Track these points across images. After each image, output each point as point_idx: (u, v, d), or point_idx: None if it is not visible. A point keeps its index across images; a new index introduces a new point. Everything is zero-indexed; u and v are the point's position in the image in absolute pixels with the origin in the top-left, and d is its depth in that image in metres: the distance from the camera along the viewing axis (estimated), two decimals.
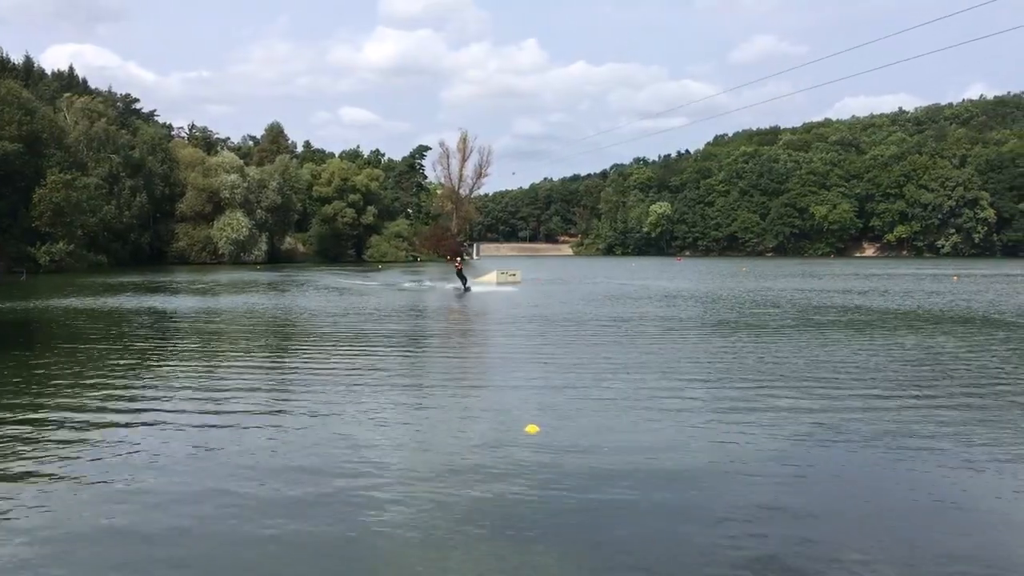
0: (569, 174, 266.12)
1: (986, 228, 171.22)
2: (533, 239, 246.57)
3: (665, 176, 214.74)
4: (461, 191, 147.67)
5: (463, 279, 49.69)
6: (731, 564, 7.61)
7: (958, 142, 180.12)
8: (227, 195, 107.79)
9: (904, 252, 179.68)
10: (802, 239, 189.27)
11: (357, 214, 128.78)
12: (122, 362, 20.43)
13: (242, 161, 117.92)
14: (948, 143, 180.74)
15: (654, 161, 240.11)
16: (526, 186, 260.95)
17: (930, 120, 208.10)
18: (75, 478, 10.35)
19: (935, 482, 10.31)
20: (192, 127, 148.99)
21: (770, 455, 11.53)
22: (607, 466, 10.82)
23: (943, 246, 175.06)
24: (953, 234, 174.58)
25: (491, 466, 10.78)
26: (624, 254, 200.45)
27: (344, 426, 13.10)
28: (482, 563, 7.77)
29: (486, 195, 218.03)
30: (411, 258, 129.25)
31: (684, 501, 9.51)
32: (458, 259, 53.33)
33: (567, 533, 8.41)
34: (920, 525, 8.79)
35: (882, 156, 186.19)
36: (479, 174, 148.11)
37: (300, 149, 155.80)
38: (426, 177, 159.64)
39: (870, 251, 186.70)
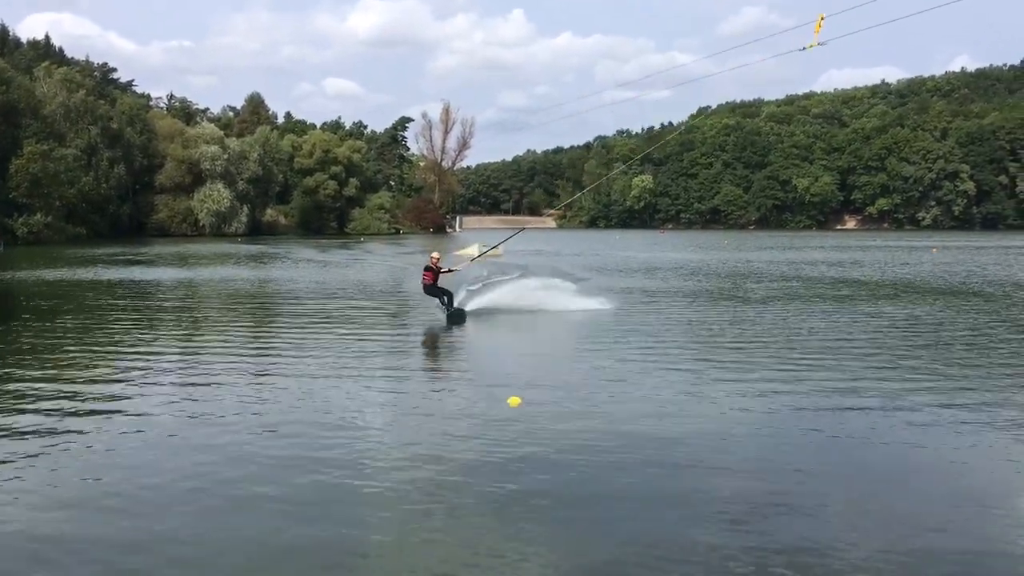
0: (552, 146, 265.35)
1: (966, 201, 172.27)
2: (516, 211, 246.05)
3: (648, 148, 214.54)
4: (444, 163, 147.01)
5: (442, 294, 23.16)
6: (715, 519, 7.72)
7: (939, 115, 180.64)
8: (207, 166, 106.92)
9: (885, 225, 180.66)
10: (784, 212, 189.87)
11: (339, 186, 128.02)
12: (101, 334, 20.34)
13: (222, 132, 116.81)
14: (930, 116, 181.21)
15: (637, 133, 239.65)
16: (509, 158, 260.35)
17: (912, 93, 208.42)
18: (54, 452, 10.34)
19: (922, 444, 10.48)
20: (171, 97, 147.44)
21: (760, 419, 11.67)
22: (590, 434, 10.91)
23: (923, 219, 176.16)
24: (933, 207, 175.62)
25: (475, 435, 10.84)
26: (607, 227, 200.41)
27: (328, 394, 13.13)
28: (468, 530, 7.85)
29: (468, 167, 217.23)
30: (393, 230, 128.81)
31: (671, 460, 9.63)
32: (434, 257, 24.26)
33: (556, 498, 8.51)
34: (901, 484, 8.95)
35: (864, 129, 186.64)
36: (462, 146, 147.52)
37: (281, 120, 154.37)
38: (408, 149, 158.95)
39: (851, 224, 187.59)
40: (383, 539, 7.57)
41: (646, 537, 7.53)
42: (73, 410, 12.31)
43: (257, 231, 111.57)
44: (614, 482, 9.02)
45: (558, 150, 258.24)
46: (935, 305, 27.17)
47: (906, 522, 7.92)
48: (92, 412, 12.25)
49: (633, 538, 7.50)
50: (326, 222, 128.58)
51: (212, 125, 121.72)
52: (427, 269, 22.81)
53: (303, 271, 44.52)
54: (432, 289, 22.67)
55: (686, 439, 10.76)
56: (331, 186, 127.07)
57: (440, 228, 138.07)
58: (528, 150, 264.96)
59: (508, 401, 12.49)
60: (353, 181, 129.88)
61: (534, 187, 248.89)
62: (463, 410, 12.22)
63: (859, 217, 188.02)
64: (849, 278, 39.76)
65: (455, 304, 22.51)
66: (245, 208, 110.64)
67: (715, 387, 13.83)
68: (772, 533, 7.61)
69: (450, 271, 24.32)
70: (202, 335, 20.80)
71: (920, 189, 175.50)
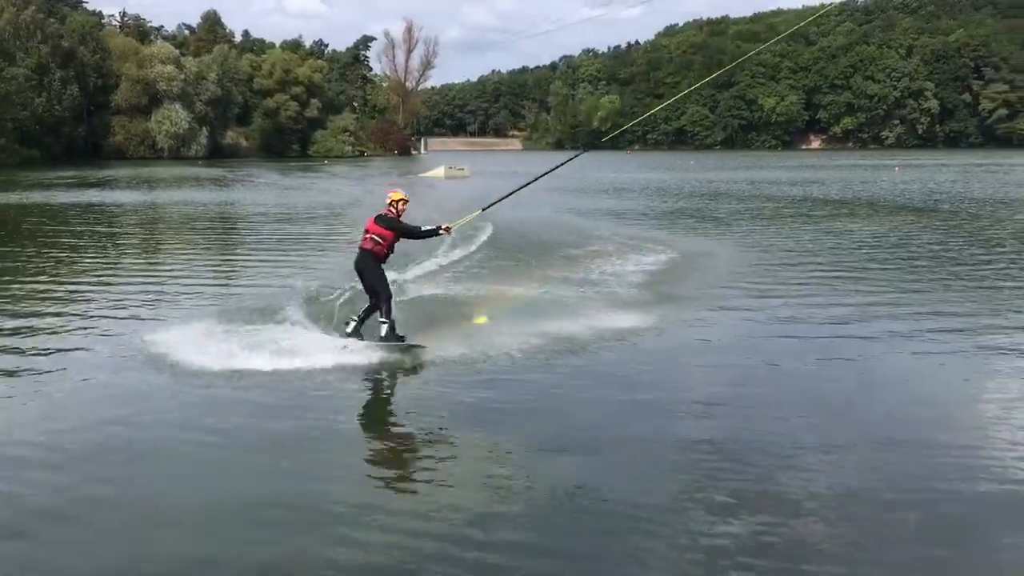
0: (518, 66, 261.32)
1: (929, 119, 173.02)
2: (482, 133, 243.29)
3: (615, 68, 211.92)
4: (407, 84, 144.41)
5: (379, 288, 11.03)
6: (688, 431, 7.89)
7: (905, 32, 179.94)
8: (164, 87, 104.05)
9: (850, 144, 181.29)
10: (750, 132, 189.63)
11: (301, 107, 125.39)
12: (52, 260, 20.02)
13: (178, 52, 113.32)
14: (896, 33, 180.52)
15: (603, 53, 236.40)
16: (474, 79, 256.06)
17: (879, 10, 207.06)
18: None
19: (886, 359, 10.76)
20: (124, 15, 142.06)
21: (721, 337, 11.86)
22: (551, 349, 11.03)
23: (887, 138, 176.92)
24: (897, 125, 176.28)
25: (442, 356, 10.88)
26: (573, 148, 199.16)
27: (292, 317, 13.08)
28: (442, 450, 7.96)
29: (433, 88, 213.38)
30: (358, 153, 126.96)
31: (633, 377, 9.79)
32: (397, 198, 11.25)
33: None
34: (862, 397, 9.21)
35: (830, 47, 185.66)
36: (425, 66, 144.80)
37: (239, 39, 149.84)
38: (371, 70, 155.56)
39: (816, 143, 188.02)
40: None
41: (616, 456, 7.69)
42: (15, 347, 12.17)
43: (218, 154, 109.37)
44: (577, 400, 9.17)
45: (524, 70, 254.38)
46: (897, 223, 27.53)
47: (868, 430, 8.16)
48: (37, 350, 12.12)
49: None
50: (288, 144, 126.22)
51: (167, 44, 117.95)
52: (381, 221, 11.11)
53: (266, 194, 43.92)
54: (371, 266, 11.05)
55: (653, 355, 10.94)
56: (292, 107, 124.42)
57: (405, 150, 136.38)
58: (493, 70, 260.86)
59: (475, 320, 12.49)
60: (315, 102, 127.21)
61: (499, 108, 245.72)
62: (432, 332, 12.24)
63: (824, 137, 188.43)
64: (813, 197, 40.08)
65: (392, 316, 10.93)
66: (204, 130, 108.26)
67: (680, 305, 14.00)
68: (736, 440, 7.80)
69: (443, 231, 11.59)
70: (161, 263, 20.56)
71: (884, 108, 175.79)
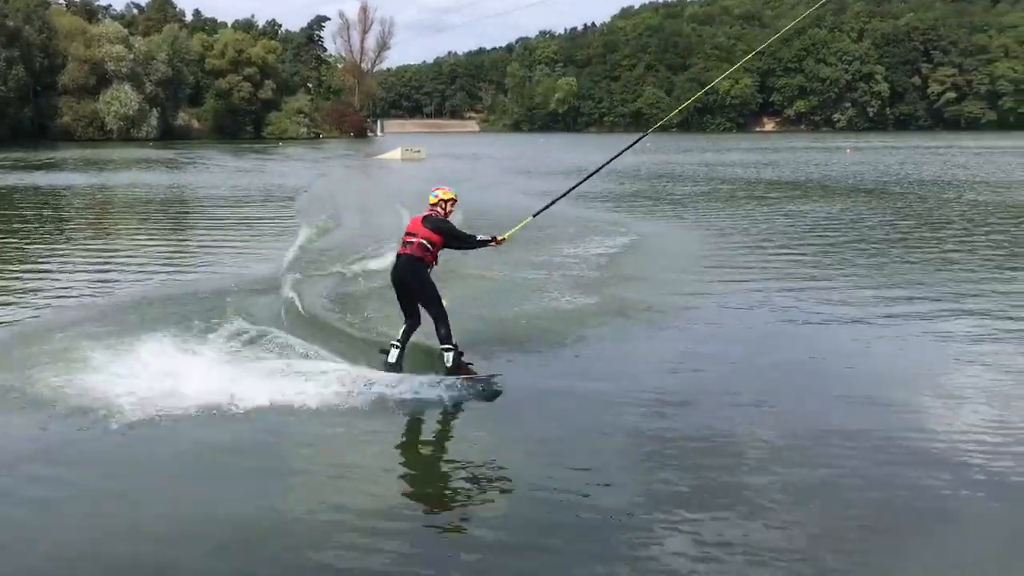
0: (474, 48, 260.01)
1: (880, 102, 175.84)
2: (438, 115, 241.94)
3: (572, 50, 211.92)
4: (363, 65, 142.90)
5: (435, 308, 8.85)
6: (641, 423, 7.97)
7: (856, 16, 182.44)
8: (112, 67, 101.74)
9: (802, 127, 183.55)
10: (706, 114, 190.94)
11: (254, 88, 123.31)
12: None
13: (127, 31, 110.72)
14: (847, 16, 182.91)
15: (560, 35, 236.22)
16: (430, 60, 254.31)
17: None
18: None
19: (830, 336, 10.96)
20: None
21: (682, 325, 11.98)
22: (511, 336, 11.07)
23: (839, 120, 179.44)
24: (848, 108, 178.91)
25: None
26: (531, 130, 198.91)
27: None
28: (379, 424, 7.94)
29: (389, 70, 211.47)
30: (313, 135, 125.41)
31: (587, 366, 9.86)
32: (443, 196, 9.19)
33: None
34: (811, 372, 9.38)
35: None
36: (381, 47, 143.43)
37: (190, 18, 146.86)
38: (326, 50, 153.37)
39: (770, 126, 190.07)
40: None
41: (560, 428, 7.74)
42: None
43: (169, 135, 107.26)
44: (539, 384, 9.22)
45: (480, 52, 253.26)
46: (849, 205, 27.99)
47: (817, 404, 8.32)
48: None
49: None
50: (241, 126, 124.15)
51: (116, 23, 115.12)
52: (428, 222, 8.99)
53: (218, 176, 43.27)
54: (420, 277, 8.86)
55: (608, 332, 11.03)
56: (245, 88, 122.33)
57: (361, 132, 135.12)
58: (449, 52, 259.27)
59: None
60: (268, 83, 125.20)
61: (456, 90, 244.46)
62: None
63: (777, 119, 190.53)
64: (767, 179, 40.57)
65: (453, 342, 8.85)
66: (155, 112, 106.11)
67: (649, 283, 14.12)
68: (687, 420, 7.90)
69: (496, 242, 9.42)
70: (108, 248, 20.19)
71: (836, 91, 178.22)
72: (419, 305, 8.91)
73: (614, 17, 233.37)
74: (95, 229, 23.07)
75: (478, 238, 9.16)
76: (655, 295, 13.30)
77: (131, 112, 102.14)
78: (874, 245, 18.91)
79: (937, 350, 10.37)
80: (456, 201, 9.30)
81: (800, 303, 12.82)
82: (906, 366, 9.74)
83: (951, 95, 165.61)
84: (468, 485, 6.68)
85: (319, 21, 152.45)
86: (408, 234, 8.94)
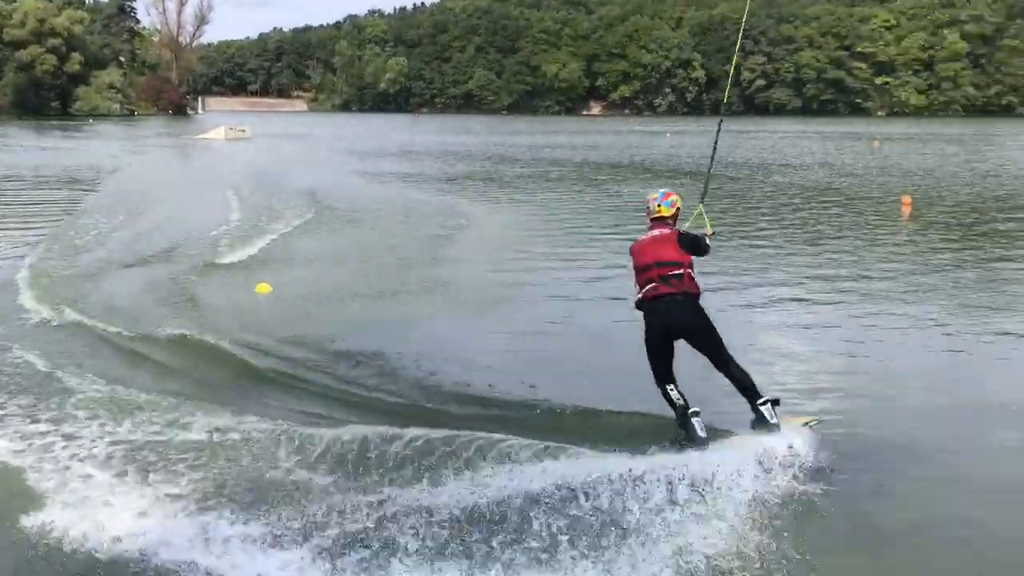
0: (301, 24, 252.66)
1: (697, 88, 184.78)
2: (264, 93, 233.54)
3: (402, 30, 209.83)
4: (181, 39, 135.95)
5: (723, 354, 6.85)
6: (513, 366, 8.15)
7: (675, 5, 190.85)
8: None
9: (627, 111, 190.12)
10: (535, 97, 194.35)
11: (60, 61, 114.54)
12: None
13: None
14: (666, 5, 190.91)
15: (389, 14, 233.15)
16: (254, 36, 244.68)
17: None
18: None
19: None
20: None
21: (503, 305, 12.24)
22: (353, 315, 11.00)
23: (660, 105, 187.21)
24: (669, 93, 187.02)
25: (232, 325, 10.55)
26: (361, 110, 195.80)
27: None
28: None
29: (210, 44, 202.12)
30: (127, 111, 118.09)
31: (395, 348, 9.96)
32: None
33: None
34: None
35: (607, 16, 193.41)
36: (200, 20, 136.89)
37: None
38: (139, 22, 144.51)
39: (596, 110, 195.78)
40: None
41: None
42: None
43: None
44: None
45: (307, 28, 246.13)
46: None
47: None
48: None
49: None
50: (46, 101, 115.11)
51: None
52: (685, 242, 7.01)
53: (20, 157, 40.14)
54: (702, 314, 6.86)
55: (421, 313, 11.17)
56: (49, 61, 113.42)
57: (180, 109, 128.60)
58: (275, 28, 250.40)
59: (257, 289, 12.20)
60: (76, 56, 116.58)
61: (283, 67, 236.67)
62: (213, 304, 11.80)
63: (604, 103, 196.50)
64: (595, 161, 41.85)
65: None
66: None
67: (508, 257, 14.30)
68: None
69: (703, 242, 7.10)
70: None
71: (657, 76, 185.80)
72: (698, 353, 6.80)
73: None
74: None
75: (707, 241, 7.10)
76: (483, 276, 13.53)
77: None
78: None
79: (755, 322, 11.13)
80: (676, 201, 7.35)
81: (622, 282, 13.34)
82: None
83: (761, 82, 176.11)
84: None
85: None
86: (663, 264, 6.75)
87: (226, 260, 14.50)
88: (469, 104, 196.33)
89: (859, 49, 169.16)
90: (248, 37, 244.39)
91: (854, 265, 14.87)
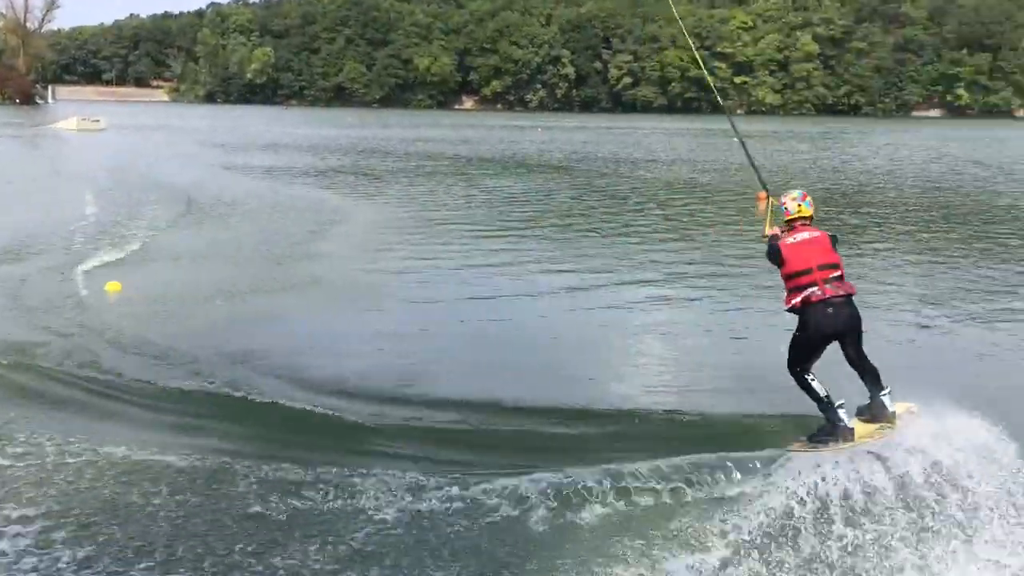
0: (159, 11, 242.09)
1: (567, 84, 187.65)
2: (121, 82, 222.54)
3: (267, 19, 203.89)
4: (28, 24, 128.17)
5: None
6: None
7: (544, 2, 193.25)
8: None
9: (499, 106, 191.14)
10: (407, 91, 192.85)
11: None
12: None
13: None
14: (536, 1, 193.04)
15: (254, 3, 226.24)
16: (109, 22, 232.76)
17: None
18: None
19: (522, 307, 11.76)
20: None
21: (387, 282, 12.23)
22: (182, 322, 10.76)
23: (531, 101, 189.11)
24: (539, 89, 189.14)
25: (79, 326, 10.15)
26: (226, 102, 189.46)
27: None
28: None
29: (60, 30, 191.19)
30: None
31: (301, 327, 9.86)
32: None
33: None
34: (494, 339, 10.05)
35: (479, 11, 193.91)
36: (49, 5, 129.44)
37: None
38: None
39: (469, 104, 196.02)
40: None
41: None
42: None
43: None
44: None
45: (167, 15, 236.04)
46: (542, 180, 29.84)
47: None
48: None
49: None
50: None
51: None
52: (836, 242, 7.16)
53: None
54: (858, 322, 6.94)
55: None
56: None
57: (28, 99, 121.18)
58: (131, 14, 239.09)
59: (107, 287, 11.75)
60: None
61: (141, 56, 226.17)
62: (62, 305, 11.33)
63: (476, 98, 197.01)
64: (467, 155, 42.01)
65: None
66: None
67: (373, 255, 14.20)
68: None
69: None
70: None
71: (528, 72, 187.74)
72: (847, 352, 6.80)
73: None
74: None
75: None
76: (349, 271, 13.48)
77: None
78: (569, 219, 20.39)
79: (620, 314, 11.54)
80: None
81: (494, 277, 13.55)
82: (592, 329, 10.74)
83: (628, 80, 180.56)
84: None
85: None
86: (825, 267, 6.74)
87: (76, 258, 13.76)
88: (340, 97, 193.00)
89: (719, 49, 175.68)
90: (103, 23, 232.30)
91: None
